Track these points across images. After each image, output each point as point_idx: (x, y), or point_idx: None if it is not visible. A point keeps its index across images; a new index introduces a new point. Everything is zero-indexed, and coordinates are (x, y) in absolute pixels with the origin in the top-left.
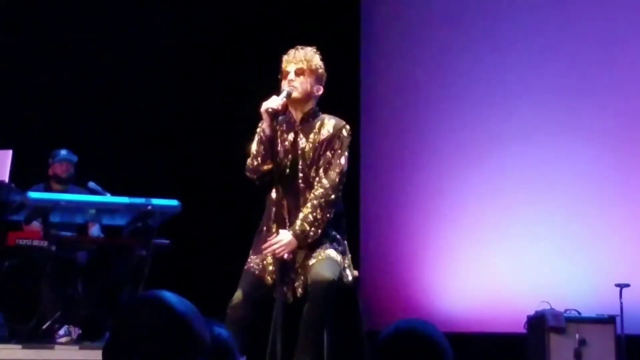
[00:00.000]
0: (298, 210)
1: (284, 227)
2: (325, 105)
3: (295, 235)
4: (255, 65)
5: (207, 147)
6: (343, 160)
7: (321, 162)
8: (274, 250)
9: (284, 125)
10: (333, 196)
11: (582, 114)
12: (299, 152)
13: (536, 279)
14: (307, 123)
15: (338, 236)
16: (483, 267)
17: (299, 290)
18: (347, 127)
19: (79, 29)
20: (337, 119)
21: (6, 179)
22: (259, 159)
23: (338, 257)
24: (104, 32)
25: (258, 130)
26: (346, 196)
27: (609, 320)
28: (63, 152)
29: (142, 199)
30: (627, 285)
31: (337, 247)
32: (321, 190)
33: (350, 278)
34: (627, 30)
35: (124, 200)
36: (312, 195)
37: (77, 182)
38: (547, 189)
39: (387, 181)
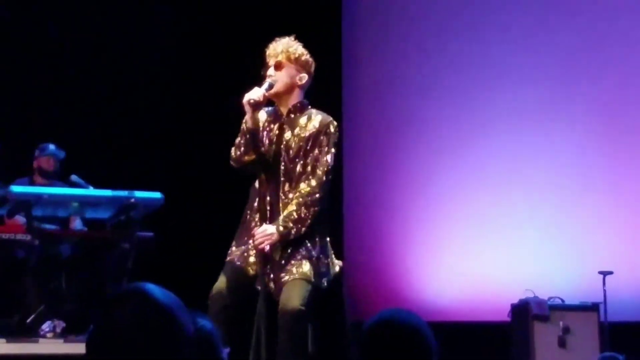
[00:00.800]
0: (278, 203)
1: (264, 218)
2: (307, 99)
3: (278, 231)
4: (238, 58)
5: (189, 139)
6: (329, 158)
7: (309, 159)
8: (257, 242)
9: (272, 116)
10: (318, 195)
11: (566, 104)
12: (283, 145)
13: (520, 268)
14: (294, 116)
15: (317, 236)
16: (467, 257)
17: (274, 283)
18: (335, 123)
19: (63, 21)
20: (325, 114)
21: None
22: (241, 149)
23: (311, 272)
24: (86, 25)
25: (243, 121)
26: (329, 188)
27: (593, 307)
28: (51, 146)
29: (125, 191)
30: (611, 273)
31: (313, 254)
32: (308, 188)
33: (325, 284)
34: (612, 18)
35: (107, 193)
36: (298, 193)
37: (60, 178)
38: (530, 178)
39: (370, 172)
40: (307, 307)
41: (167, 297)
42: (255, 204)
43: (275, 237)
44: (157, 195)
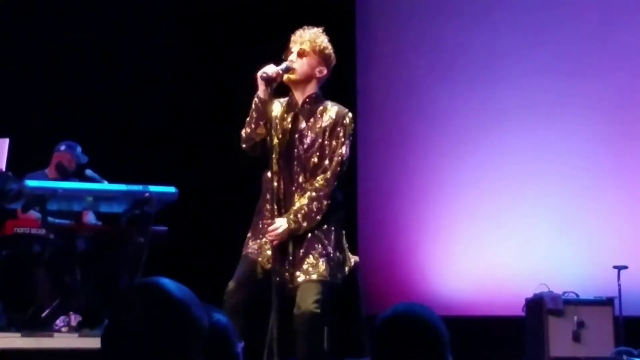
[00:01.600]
0: (293, 193)
1: (279, 209)
2: (321, 90)
3: (289, 226)
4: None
5: (204, 133)
6: (344, 149)
7: (325, 151)
8: (270, 239)
9: (286, 106)
10: (331, 187)
11: (580, 97)
12: (297, 134)
13: (534, 262)
14: (309, 107)
15: (333, 229)
16: (481, 251)
17: (290, 279)
18: (350, 114)
19: (77, 16)
20: (341, 106)
21: (3, 167)
22: (252, 124)
23: (327, 271)
24: (100, 19)
25: (254, 98)
26: (343, 182)
27: (607, 302)
28: (79, 148)
29: (140, 186)
30: (625, 267)
31: (329, 250)
32: (322, 181)
33: (340, 280)
34: (626, 10)
35: (122, 187)
36: (312, 186)
37: (74, 171)
38: (545, 172)
39: (384, 166)
40: (323, 309)
41: (182, 291)
42: (269, 195)
43: (286, 232)
44: (171, 189)
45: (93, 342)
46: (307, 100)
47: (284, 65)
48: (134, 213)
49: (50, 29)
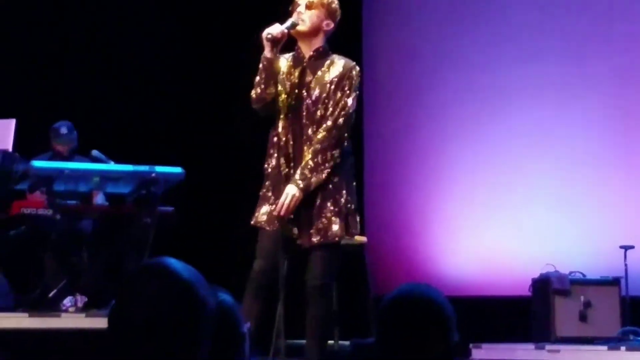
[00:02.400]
0: (302, 147)
1: (288, 162)
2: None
3: (299, 188)
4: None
5: (211, 113)
6: (350, 101)
7: (330, 102)
8: (283, 213)
9: (292, 60)
10: (335, 138)
11: (588, 79)
12: (305, 87)
13: (540, 242)
14: (316, 60)
15: (344, 184)
16: (487, 231)
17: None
18: (357, 68)
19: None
20: (347, 59)
21: (9, 148)
22: (261, 85)
23: (341, 231)
24: (106, 3)
25: (261, 58)
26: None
27: (614, 282)
28: (63, 130)
29: (146, 166)
30: (632, 247)
31: (342, 208)
32: (323, 133)
33: (356, 228)
34: None
35: (128, 168)
36: (314, 139)
37: (80, 151)
38: (550, 151)
39: (390, 148)
40: (333, 277)
41: (188, 271)
42: (276, 154)
43: (298, 195)
44: (177, 170)
45: (100, 322)
46: (314, 53)
47: (288, 22)
48: (141, 193)
49: (55, 19)
